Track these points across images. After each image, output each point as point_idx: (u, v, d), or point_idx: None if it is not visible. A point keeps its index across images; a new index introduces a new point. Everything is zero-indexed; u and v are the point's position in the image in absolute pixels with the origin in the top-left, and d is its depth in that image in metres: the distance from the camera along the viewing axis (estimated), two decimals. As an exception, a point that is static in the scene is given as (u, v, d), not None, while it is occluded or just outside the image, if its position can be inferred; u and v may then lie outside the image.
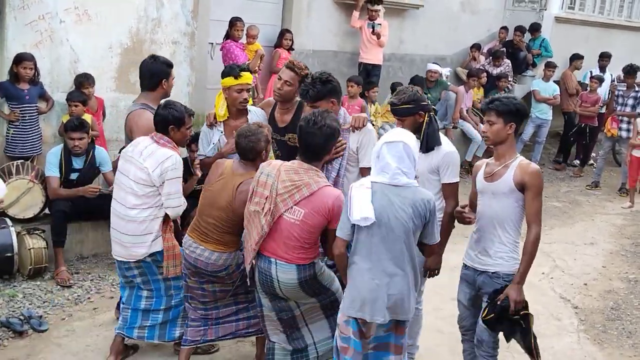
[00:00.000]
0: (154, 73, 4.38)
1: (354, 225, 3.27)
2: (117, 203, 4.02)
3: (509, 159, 3.58)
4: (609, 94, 11.02)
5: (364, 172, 3.98)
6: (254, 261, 3.59)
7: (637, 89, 9.97)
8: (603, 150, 10.34)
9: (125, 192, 3.96)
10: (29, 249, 5.20)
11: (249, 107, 4.58)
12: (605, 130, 10.29)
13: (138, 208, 3.93)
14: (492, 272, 3.60)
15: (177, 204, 3.98)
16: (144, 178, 3.90)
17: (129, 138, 4.31)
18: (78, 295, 5.12)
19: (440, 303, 5.22)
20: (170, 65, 4.47)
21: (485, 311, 3.61)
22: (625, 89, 10.06)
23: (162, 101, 4.12)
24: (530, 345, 3.64)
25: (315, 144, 3.48)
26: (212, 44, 8.09)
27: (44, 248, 5.31)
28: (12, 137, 5.92)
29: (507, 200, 3.54)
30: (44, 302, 4.95)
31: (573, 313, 5.56)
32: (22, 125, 5.94)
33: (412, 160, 3.29)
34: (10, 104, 5.90)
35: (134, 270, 4.07)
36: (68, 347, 4.39)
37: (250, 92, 4.58)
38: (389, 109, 4.55)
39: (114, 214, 4.04)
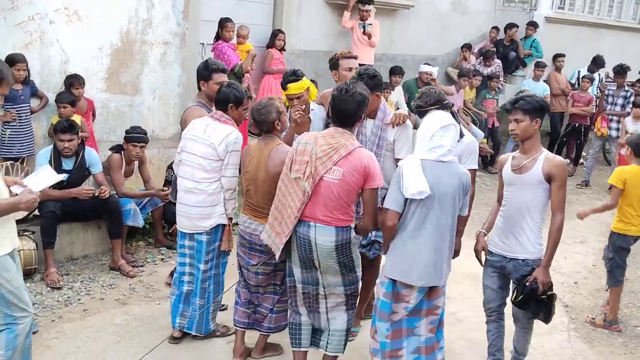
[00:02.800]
0: (197, 74, 4.76)
1: (406, 199, 3.56)
2: (184, 179, 4.35)
3: (536, 152, 3.93)
4: (597, 92, 11.05)
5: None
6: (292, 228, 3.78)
7: (626, 88, 10.04)
8: (593, 150, 10.39)
9: (193, 168, 4.30)
10: (19, 251, 5.12)
11: (312, 104, 4.85)
12: (595, 130, 10.35)
13: (207, 181, 4.27)
14: (522, 260, 3.94)
15: (231, 174, 4.29)
16: (212, 153, 4.23)
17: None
18: (68, 297, 5.10)
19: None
20: (209, 69, 4.68)
21: (514, 294, 3.96)
22: (615, 88, 10.12)
23: (226, 82, 4.49)
24: (549, 319, 4.04)
25: (348, 110, 3.71)
26: (203, 44, 8.08)
27: (34, 249, 5.29)
28: (8, 138, 5.88)
29: (536, 191, 3.88)
30: (34, 304, 4.90)
31: (564, 312, 5.58)
32: (18, 126, 5.89)
33: (457, 141, 3.72)
34: (5, 105, 5.85)
35: (186, 248, 4.47)
36: (58, 349, 4.37)
37: (303, 97, 4.66)
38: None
39: (181, 189, 4.38)
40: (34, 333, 4.46)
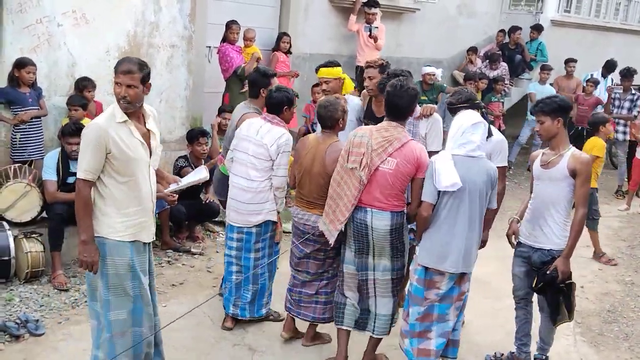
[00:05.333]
0: (254, 83, 4.99)
1: (439, 191, 3.85)
2: (237, 177, 4.64)
3: (563, 149, 4.18)
4: (605, 96, 11.00)
5: (430, 155, 4.52)
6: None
7: (633, 91, 10.00)
8: (599, 153, 10.34)
9: (246, 167, 4.58)
10: (26, 253, 5.20)
11: (348, 96, 5.24)
12: (601, 133, 10.30)
13: (258, 180, 4.55)
14: (547, 250, 4.19)
15: (282, 174, 4.56)
16: (263, 153, 4.51)
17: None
18: (75, 299, 5.11)
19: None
20: (268, 75, 4.95)
21: (535, 280, 4.22)
22: (621, 91, 10.09)
23: (274, 86, 4.79)
24: (571, 308, 4.23)
25: (402, 105, 4.05)
26: (209, 47, 8.11)
27: (41, 252, 5.30)
28: (19, 141, 5.90)
29: (561, 185, 4.14)
30: (41, 305, 4.95)
31: (569, 316, 5.57)
32: (29, 129, 5.92)
33: (485, 138, 4.03)
34: (13, 109, 5.87)
35: (234, 241, 4.73)
36: (65, 351, 4.39)
37: (331, 84, 5.24)
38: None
39: (234, 186, 4.67)
40: (41, 335, 4.51)
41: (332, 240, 4.18)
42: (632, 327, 5.45)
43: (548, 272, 4.11)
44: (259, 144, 4.51)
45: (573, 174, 4.08)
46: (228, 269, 4.86)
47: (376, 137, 4.01)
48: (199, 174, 4.20)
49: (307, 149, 4.43)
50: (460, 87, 4.54)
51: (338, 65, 5.28)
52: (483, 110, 4.46)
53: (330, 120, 4.36)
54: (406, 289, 4.32)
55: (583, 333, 5.30)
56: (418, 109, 4.70)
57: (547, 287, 4.16)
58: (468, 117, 3.99)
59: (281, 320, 4.89)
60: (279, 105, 4.60)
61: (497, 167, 4.41)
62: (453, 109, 4.40)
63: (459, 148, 3.91)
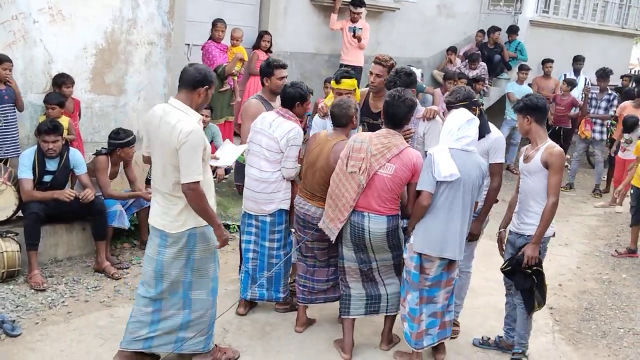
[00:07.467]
0: (259, 72, 5.29)
1: (437, 181, 4.10)
2: (251, 168, 4.86)
3: (539, 144, 4.38)
4: (582, 96, 11.11)
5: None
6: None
7: (609, 91, 10.13)
8: (577, 152, 10.48)
9: (259, 158, 4.79)
10: (2, 252, 5.12)
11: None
12: (579, 133, 10.43)
13: (270, 171, 4.76)
14: (527, 235, 4.39)
15: (290, 166, 4.76)
16: (274, 146, 4.71)
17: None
18: (52, 299, 5.05)
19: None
20: (271, 65, 5.18)
21: (505, 264, 4.48)
22: (598, 91, 10.21)
23: (289, 82, 4.98)
24: (543, 298, 4.45)
25: (399, 114, 4.27)
26: (188, 45, 8.05)
27: (17, 251, 5.23)
28: None
29: (538, 177, 4.33)
30: (17, 306, 4.88)
31: (548, 314, 5.61)
32: (5, 126, 5.82)
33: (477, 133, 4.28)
34: None
35: (252, 227, 4.94)
36: (42, 351, 4.32)
37: (350, 95, 5.14)
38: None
39: (249, 177, 4.87)
40: (17, 336, 4.44)
41: (333, 238, 4.40)
42: (609, 325, 5.51)
43: (516, 256, 4.35)
44: (270, 137, 4.71)
45: (546, 165, 4.27)
46: (245, 255, 5.03)
47: (375, 144, 4.22)
48: (228, 146, 4.49)
49: (316, 144, 4.64)
50: (458, 87, 4.70)
51: (354, 76, 5.20)
52: (481, 108, 4.59)
53: (345, 117, 4.56)
54: (403, 275, 4.48)
55: (561, 331, 5.34)
56: (422, 109, 4.80)
57: (514, 271, 4.40)
58: (463, 114, 4.24)
59: (295, 309, 5.02)
60: (291, 100, 4.80)
61: (495, 164, 4.63)
62: (452, 108, 4.51)
63: (455, 142, 4.16)
